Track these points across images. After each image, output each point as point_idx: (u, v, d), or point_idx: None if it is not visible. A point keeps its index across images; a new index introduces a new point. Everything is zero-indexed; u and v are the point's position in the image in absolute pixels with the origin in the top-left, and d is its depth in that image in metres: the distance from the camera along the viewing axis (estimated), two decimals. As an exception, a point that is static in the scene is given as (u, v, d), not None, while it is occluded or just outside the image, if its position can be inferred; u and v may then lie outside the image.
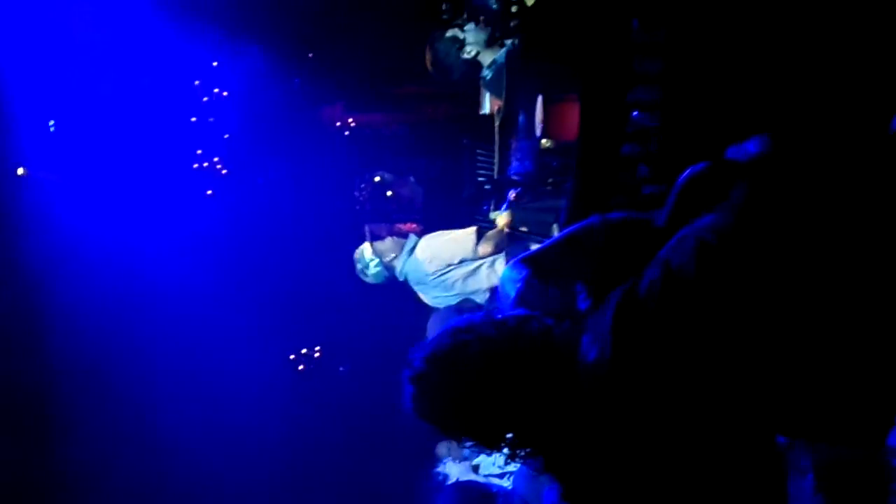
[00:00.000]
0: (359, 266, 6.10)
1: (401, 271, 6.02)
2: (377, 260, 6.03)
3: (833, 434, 1.95)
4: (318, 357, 8.24)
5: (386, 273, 6.05)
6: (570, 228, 2.52)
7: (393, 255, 6.00)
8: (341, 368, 8.10)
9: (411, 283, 6.10)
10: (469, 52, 5.64)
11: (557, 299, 2.31)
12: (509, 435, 2.16)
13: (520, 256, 2.49)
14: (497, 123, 5.61)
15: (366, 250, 6.08)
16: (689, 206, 2.42)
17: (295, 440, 7.79)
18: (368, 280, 6.17)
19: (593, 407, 2.04)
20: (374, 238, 6.16)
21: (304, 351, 8.14)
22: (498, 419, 2.14)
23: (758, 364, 1.94)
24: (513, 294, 2.38)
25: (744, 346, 1.95)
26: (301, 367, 8.04)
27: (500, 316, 2.26)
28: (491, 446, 2.24)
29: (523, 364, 2.13)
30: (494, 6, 5.33)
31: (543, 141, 4.21)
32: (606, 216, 2.45)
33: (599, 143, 3.77)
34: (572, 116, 3.97)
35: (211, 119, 8.17)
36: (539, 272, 2.39)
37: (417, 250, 5.98)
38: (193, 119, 7.87)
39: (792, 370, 1.94)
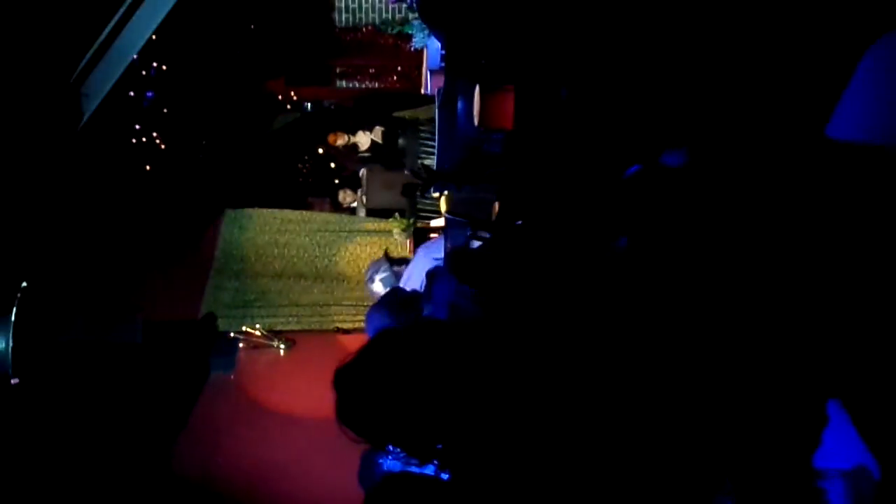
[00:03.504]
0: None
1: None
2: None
3: (752, 459, 1.97)
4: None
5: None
6: None
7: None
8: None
9: None
10: None
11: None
12: (439, 445, 2.14)
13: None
14: (437, 104, 5.58)
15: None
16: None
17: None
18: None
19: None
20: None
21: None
22: (427, 423, 2.10)
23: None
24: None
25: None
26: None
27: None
28: (421, 456, 2.21)
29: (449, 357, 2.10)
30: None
31: (481, 129, 4.21)
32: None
33: (534, 131, 3.79)
34: (508, 106, 3.96)
35: (149, 93, 8.04)
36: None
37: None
38: (131, 94, 7.73)
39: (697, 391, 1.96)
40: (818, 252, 2.22)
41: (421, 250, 5.90)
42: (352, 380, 2.14)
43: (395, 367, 2.10)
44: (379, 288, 5.91)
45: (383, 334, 2.24)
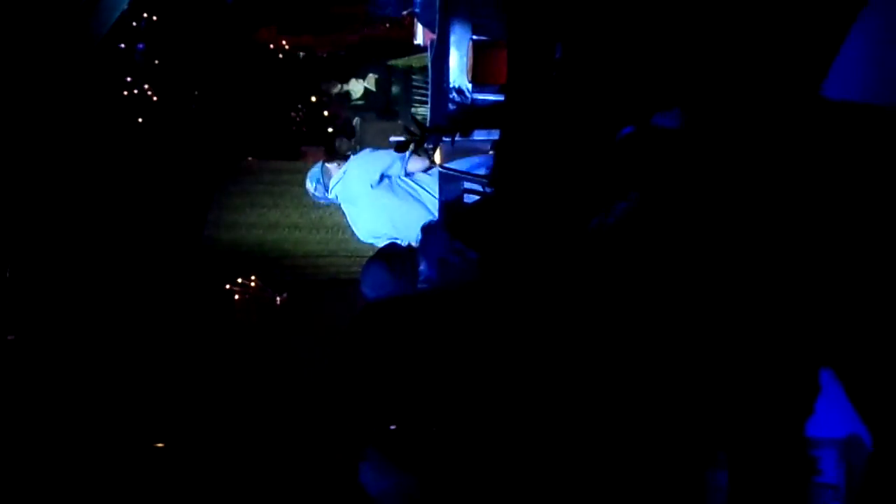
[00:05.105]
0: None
1: (332, 188, 6.05)
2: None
3: (745, 430, 1.97)
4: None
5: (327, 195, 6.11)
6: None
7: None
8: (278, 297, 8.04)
9: (343, 202, 6.13)
10: None
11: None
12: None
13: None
14: (430, 57, 5.52)
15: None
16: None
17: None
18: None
19: None
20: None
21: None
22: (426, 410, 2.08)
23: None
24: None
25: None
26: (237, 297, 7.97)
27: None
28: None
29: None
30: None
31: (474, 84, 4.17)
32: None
33: (527, 87, 3.75)
34: (502, 61, 3.92)
35: (140, 45, 7.98)
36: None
37: (350, 166, 6.01)
38: (122, 46, 7.66)
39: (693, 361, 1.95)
40: (816, 216, 2.21)
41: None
42: (347, 368, 2.09)
43: (388, 358, 2.05)
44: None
45: (366, 317, 2.17)
